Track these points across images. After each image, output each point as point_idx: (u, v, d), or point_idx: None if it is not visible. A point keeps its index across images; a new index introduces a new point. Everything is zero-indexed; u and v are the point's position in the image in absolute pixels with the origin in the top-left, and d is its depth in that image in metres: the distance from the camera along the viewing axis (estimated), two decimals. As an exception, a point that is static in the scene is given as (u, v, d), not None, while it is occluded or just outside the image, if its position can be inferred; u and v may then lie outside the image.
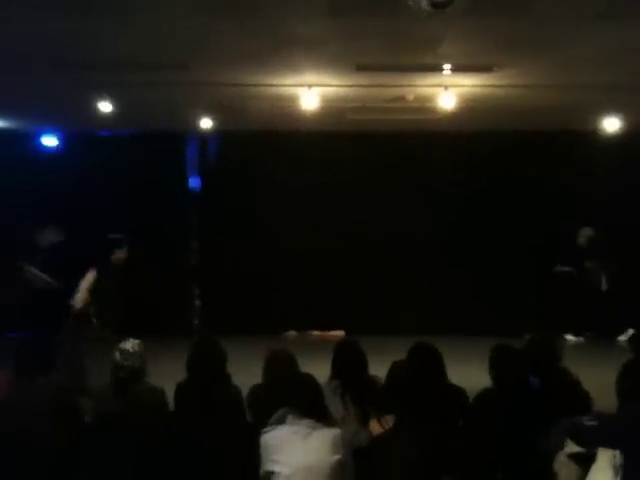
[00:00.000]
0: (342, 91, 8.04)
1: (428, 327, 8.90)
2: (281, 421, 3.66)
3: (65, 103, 8.52)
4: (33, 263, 9.70)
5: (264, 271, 10.57)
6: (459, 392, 4.40)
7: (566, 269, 10.22)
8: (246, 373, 4.70)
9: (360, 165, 10.45)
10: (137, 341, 4.52)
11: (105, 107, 8.35)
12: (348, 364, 4.43)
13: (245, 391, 4.49)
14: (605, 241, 10.02)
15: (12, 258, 9.76)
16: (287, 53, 6.62)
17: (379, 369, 4.52)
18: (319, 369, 4.25)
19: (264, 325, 10.06)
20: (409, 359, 4.31)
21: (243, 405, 4.35)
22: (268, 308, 10.45)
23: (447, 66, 6.84)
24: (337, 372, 4.42)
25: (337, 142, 10.09)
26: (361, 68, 7.11)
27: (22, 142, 10.67)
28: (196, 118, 9.44)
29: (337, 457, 3.56)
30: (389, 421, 3.77)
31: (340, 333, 9.58)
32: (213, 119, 9.43)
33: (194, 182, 11.06)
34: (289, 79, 7.57)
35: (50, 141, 10.89)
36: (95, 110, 8.38)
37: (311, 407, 3.67)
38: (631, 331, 9.04)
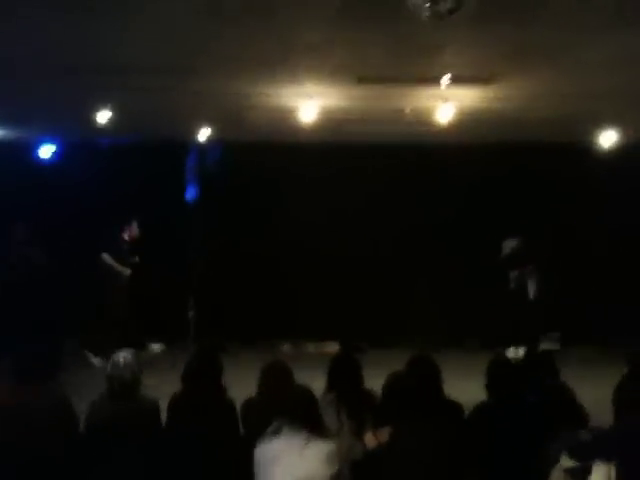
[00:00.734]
0: (343, 103, 8.02)
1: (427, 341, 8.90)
2: (276, 433, 3.62)
3: (64, 110, 8.48)
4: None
5: (261, 282, 10.54)
6: (456, 406, 4.37)
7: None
8: (240, 385, 4.66)
9: (359, 177, 10.45)
10: (130, 352, 4.47)
11: (105, 114, 8.31)
12: (344, 376, 4.39)
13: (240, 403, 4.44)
14: (531, 251, 10.10)
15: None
16: (289, 62, 6.59)
17: (376, 382, 4.48)
18: (314, 382, 4.20)
19: (259, 337, 10.02)
20: (407, 370, 4.28)
21: (237, 417, 4.31)
22: (264, 319, 10.39)
23: (448, 77, 6.80)
24: (332, 384, 4.39)
25: (336, 153, 10.08)
26: (362, 80, 7.09)
27: (20, 151, 10.67)
28: (196, 127, 9.43)
29: (333, 470, 3.51)
30: (385, 433, 3.73)
31: (336, 346, 9.53)
32: (213, 128, 9.42)
33: (193, 191, 11.04)
34: (290, 89, 7.54)
35: (49, 150, 10.88)
36: (95, 118, 8.34)
37: (306, 419, 3.63)
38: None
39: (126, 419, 4.20)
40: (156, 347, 10.38)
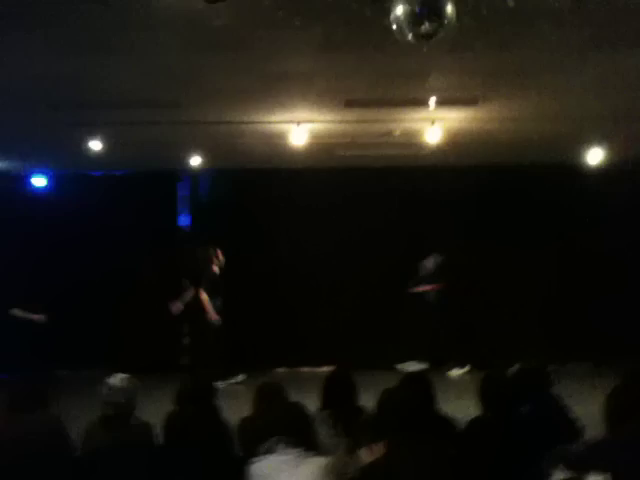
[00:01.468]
0: (331, 127, 8.10)
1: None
2: (270, 451, 3.63)
3: (55, 143, 8.57)
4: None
5: (254, 309, 10.55)
6: (449, 421, 4.40)
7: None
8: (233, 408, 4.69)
9: (349, 200, 10.53)
10: (125, 376, 4.49)
11: (95, 146, 8.37)
12: (338, 393, 4.42)
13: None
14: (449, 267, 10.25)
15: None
16: (277, 90, 6.68)
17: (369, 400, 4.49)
18: (309, 402, 4.22)
19: (253, 362, 10.03)
20: (401, 386, 4.31)
21: (232, 438, 4.32)
22: (258, 345, 10.41)
23: (434, 100, 6.91)
24: (327, 402, 4.41)
25: (327, 178, 10.17)
26: (349, 104, 7.18)
27: (11, 183, 10.72)
28: (187, 156, 9.51)
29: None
30: (380, 448, 3.74)
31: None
32: (204, 157, 9.51)
33: (185, 220, 11.10)
34: (278, 116, 7.64)
35: (40, 182, 10.94)
36: (85, 150, 8.40)
37: (301, 436, 3.64)
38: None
39: (120, 443, 4.20)
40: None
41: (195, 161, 9.59)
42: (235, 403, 4.67)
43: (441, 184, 10.33)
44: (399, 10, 4.08)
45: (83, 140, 8.19)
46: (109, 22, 4.84)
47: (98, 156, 8.63)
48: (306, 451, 3.61)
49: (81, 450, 4.33)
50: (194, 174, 10.50)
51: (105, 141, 8.24)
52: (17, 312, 9.55)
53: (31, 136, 8.21)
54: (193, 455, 3.92)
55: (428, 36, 4.44)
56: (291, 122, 7.83)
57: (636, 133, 8.38)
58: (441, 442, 3.86)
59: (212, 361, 9.23)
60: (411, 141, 8.50)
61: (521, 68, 6.09)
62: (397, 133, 8.35)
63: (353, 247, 10.60)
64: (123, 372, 4.51)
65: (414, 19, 4.36)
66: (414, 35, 4.44)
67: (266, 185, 10.46)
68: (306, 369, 10.28)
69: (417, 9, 3.93)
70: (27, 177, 10.89)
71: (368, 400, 4.33)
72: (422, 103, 7.03)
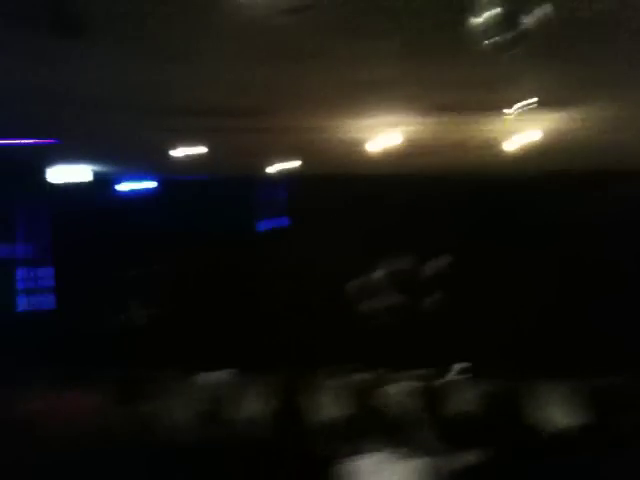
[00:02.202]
0: (416, 132, 8.08)
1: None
2: (369, 450, 3.66)
3: (145, 149, 8.82)
4: None
5: (339, 310, 10.54)
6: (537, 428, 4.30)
7: None
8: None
9: (433, 206, 10.45)
10: (223, 372, 4.60)
11: (182, 152, 8.60)
12: (432, 396, 4.42)
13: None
14: None
15: None
16: (362, 97, 6.72)
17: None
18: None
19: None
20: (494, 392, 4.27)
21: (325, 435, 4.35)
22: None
23: (520, 105, 6.80)
24: (422, 405, 4.41)
25: (410, 184, 10.13)
26: (434, 109, 7.14)
27: (103, 188, 11.09)
28: (272, 163, 9.66)
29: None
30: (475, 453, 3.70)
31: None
32: (289, 163, 9.62)
33: (268, 225, 11.24)
34: (363, 122, 7.66)
35: (131, 187, 11.29)
36: (174, 156, 8.65)
37: (400, 437, 3.66)
38: None
39: (217, 437, 4.30)
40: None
41: (283, 167, 9.71)
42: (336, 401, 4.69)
43: (527, 190, 10.11)
44: (484, 18, 4.07)
45: (170, 146, 8.44)
46: (197, 31, 4.97)
47: (184, 161, 8.86)
48: (405, 452, 3.64)
49: (178, 443, 4.42)
50: (281, 180, 10.62)
51: (190, 147, 8.45)
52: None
53: (123, 142, 8.47)
54: (288, 450, 3.97)
55: (510, 45, 4.41)
56: (375, 128, 7.84)
57: None
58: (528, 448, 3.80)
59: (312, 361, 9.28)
60: (497, 147, 8.39)
61: (610, 73, 5.95)
62: (482, 138, 8.25)
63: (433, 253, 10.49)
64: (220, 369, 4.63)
65: (499, 27, 4.34)
66: (498, 43, 4.42)
67: (351, 190, 10.48)
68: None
69: (502, 18, 3.92)
70: (115, 182, 11.24)
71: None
72: (507, 108, 6.93)
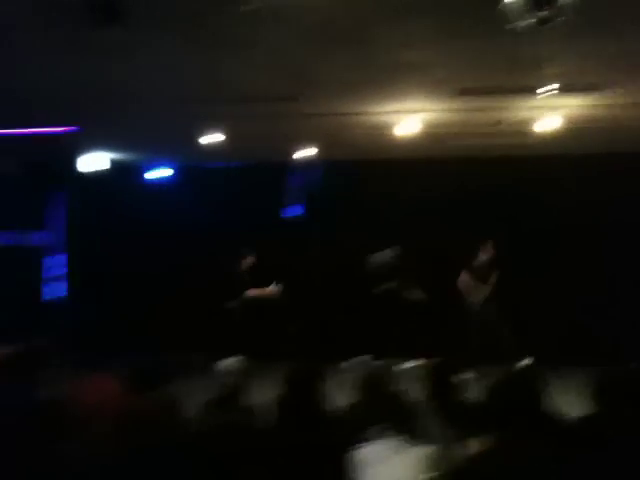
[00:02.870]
0: (444, 116, 8.04)
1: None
2: (375, 438, 3.67)
3: (175, 135, 8.89)
4: None
5: (356, 300, 10.53)
6: (557, 418, 4.29)
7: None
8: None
9: (461, 190, 10.39)
10: (237, 359, 4.64)
11: (215, 139, 8.65)
12: (445, 384, 4.41)
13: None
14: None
15: None
16: (391, 81, 6.71)
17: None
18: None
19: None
20: (511, 380, 4.25)
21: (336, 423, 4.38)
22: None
23: (551, 87, 6.72)
24: (434, 392, 4.41)
25: (437, 168, 10.08)
26: (465, 92, 7.10)
27: (132, 174, 11.20)
28: (302, 148, 9.68)
29: (432, 475, 3.53)
30: (487, 441, 3.70)
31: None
32: (319, 149, 9.63)
33: (296, 211, 11.27)
34: (392, 106, 7.65)
35: (161, 173, 11.39)
36: (205, 142, 8.71)
37: (406, 425, 3.67)
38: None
39: (232, 424, 4.34)
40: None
41: (310, 153, 9.73)
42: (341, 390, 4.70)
43: (560, 172, 9.95)
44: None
45: (202, 133, 8.49)
46: (229, 18, 4.99)
47: (216, 148, 8.91)
48: (411, 440, 3.64)
49: (194, 430, 4.49)
50: (308, 166, 10.63)
51: (223, 133, 8.50)
52: None
53: (153, 128, 8.54)
54: (297, 439, 3.99)
55: (545, 21, 4.37)
56: (405, 112, 7.83)
57: None
58: (548, 439, 3.79)
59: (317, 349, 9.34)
60: (526, 130, 8.31)
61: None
62: (512, 121, 8.17)
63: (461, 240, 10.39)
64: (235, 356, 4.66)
65: (531, 5, 4.30)
66: (531, 21, 4.38)
67: (378, 176, 10.43)
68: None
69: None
70: (146, 169, 11.35)
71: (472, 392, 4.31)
72: (539, 90, 6.86)
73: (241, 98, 7.10)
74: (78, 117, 7.87)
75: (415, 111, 7.77)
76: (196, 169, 11.24)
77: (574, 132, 8.29)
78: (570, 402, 4.53)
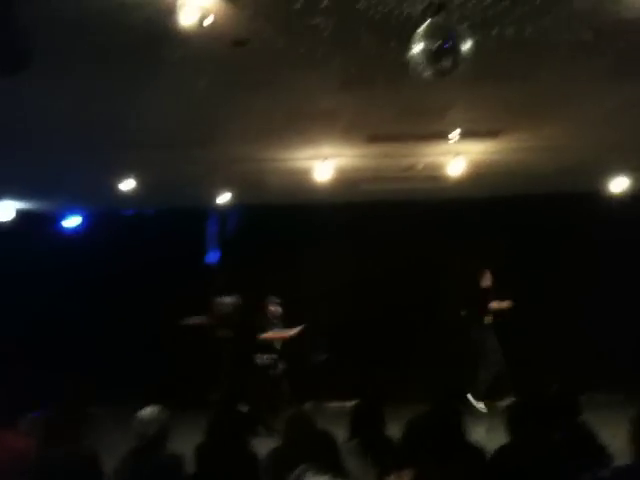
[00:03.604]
0: (355, 162, 8.22)
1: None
2: (300, 477, 3.67)
3: (87, 182, 8.78)
4: None
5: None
6: (477, 448, 4.41)
7: None
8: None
9: (374, 235, 10.60)
10: (156, 408, 4.54)
11: (126, 186, 8.60)
12: (365, 423, 4.46)
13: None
14: None
15: None
16: (302, 127, 6.83)
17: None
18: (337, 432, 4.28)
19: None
20: (430, 415, 4.34)
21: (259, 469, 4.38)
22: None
23: (456, 133, 7.01)
24: (355, 432, 4.46)
25: (351, 213, 10.28)
26: (372, 139, 7.30)
27: (45, 223, 10.96)
28: (215, 194, 9.70)
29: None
30: (407, 476, 3.78)
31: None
32: (232, 194, 9.68)
33: (214, 257, 11.24)
34: (305, 152, 7.78)
35: (73, 222, 11.18)
36: (117, 189, 8.63)
37: (329, 464, 3.68)
38: None
39: (151, 476, 4.27)
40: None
41: (224, 198, 9.76)
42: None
43: (465, 216, 10.35)
44: (417, 48, 4.19)
45: (115, 180, 8.42)
46: (142, 67, 5.02)
47: (128, 195, 8.84)
48: (335, 479, 3.65)
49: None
50: (223, 211, 10.65)
51: (135, 180, 8.46)
52: None
53: (64, 175, 8.40)
54: None
55: (446, 72, 4.57)
56: (317, 158, 7.98)
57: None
58: (470, 471, 3.89)
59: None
60: (434, 174, 8.59)
61: (542, 98, 6.16)
62: (420, 167, 8.44)
63: (377, 282, 10.62)
64: (155, 404, 4.58)
65: (432, 56, 4.49)
66: (432, 71, 4.57)
67: (292, 220, 10.55)
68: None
69: (435, 47, 4.05)
70: (60, 217, 11.13)
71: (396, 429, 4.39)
72: (444, 136, 7.14)
73: (154, 144, 7.10)
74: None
75: (329, 157, 7.93)
76: (108, 216, 11.09)
77: (480, 176, 8.61)
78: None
